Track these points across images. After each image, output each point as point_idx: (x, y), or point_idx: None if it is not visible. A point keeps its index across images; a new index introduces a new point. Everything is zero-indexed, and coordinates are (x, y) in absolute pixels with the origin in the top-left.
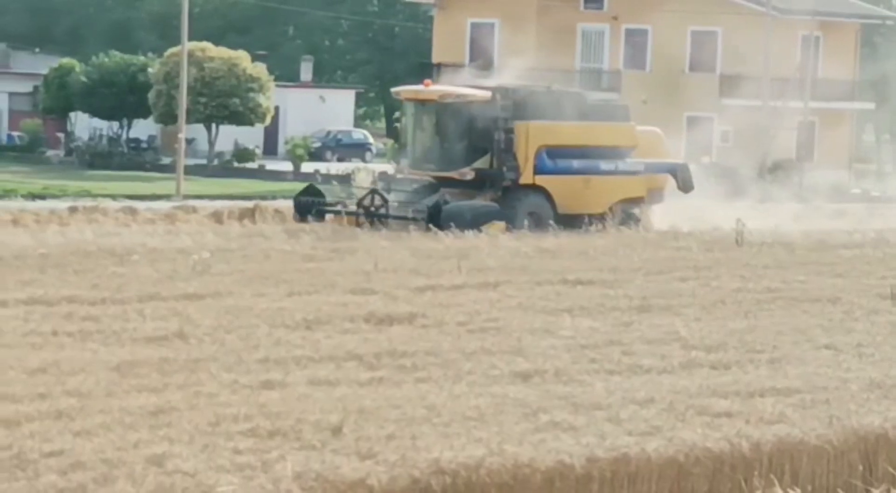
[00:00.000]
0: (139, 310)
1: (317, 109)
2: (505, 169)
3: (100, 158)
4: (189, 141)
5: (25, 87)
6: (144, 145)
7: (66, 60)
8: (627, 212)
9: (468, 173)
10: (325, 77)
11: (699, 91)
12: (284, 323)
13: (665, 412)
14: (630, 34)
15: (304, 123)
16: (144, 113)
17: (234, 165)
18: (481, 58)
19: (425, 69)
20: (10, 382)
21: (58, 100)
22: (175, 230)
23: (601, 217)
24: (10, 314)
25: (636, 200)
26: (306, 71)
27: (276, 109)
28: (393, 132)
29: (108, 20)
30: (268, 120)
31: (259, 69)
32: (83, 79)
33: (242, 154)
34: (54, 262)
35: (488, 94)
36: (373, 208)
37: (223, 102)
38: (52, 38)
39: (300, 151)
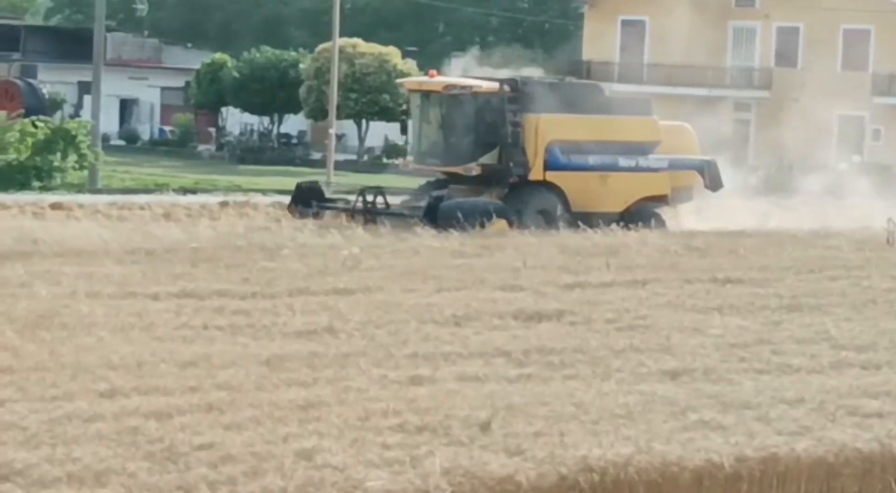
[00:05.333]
0: (289, 304)
1: None
2: (512, 165)
3: (250, 153)
4: (339, 137)
5: (177, 82)
6: (295, 141)
7: (217, 56)
8: (650, 211)
9: (474, 169)
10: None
11: (851, 89)
12: (433, 319)
13: (815, 412)
14: (781, 32)
15: None
16: (295, 108)
17: (383, 160)
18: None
19: (575, 66)
20: (161, 375)
21: (209, 95)
22: (325, 225)
23: (620, 217)
24: (162, 308)
25: (659, 199)
26: (456, 67)
27: None
28: (402, 126)
29: (260, 16)
30: None
31: (409, 65)
32: (235, 74)
33: (392, 150)
34: (205, 256)
35: (495, 85)
36: (370, 205)
37: (373, 97)
38: (205, 34)
39: None
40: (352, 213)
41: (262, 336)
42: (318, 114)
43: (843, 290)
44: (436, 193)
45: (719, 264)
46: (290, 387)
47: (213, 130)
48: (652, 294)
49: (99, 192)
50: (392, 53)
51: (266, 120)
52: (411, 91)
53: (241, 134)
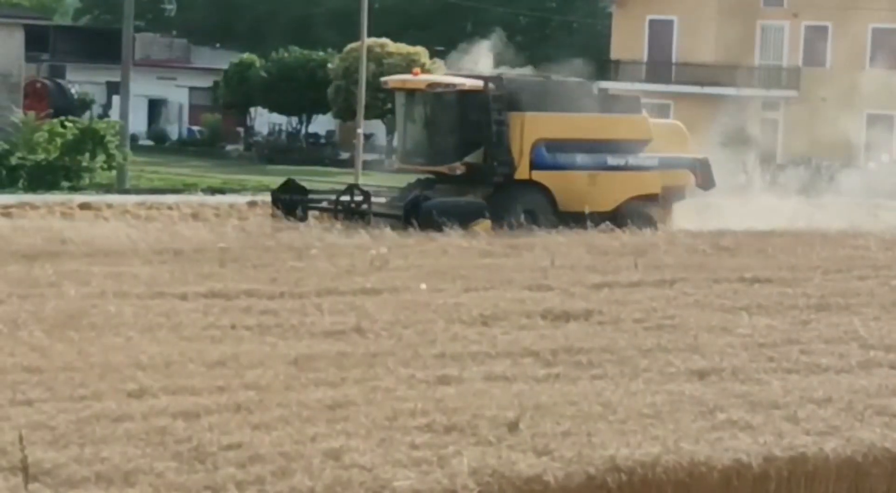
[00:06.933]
0: (317, 304)
1: None
2: (496, 164)
3: (279, 152)
4: (367, 137)
5: (206, 82)
6: (323, 141)
7: (246, 56)
8: (640, 211)
9: (458, 168)
10: None
11: (880, 88)
12: (461, 319)
13: (843, 412)
14: (810, 31)
15: None
16: (323, 108)
17: None
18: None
19: (604, 66)
20: (189, 375)
21: (238, 95)
22: (353, 225)
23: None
24: (190, 308)
25: (650, 198)
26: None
27: None
28: (388, 125)
29: (288, 16)
30: None
31: (437, 65)
32: (263, 74)
33: None
34: (233, 256)
35: (480, 83)
36: (353, 205)
37: None
38: (233, 34)
39: None
40: (335, 213)
41: (290, 336)
42: (347, 114)
43: (872, 289)
44: (411, 195)
45: (747, 264)
46: (318, 387)
47: (241, 130)
48: (680, 294)
49: (127, 192)
50: (420, 53)
51: (294, 120)
52: (395, 89)
53: (270, 134)
